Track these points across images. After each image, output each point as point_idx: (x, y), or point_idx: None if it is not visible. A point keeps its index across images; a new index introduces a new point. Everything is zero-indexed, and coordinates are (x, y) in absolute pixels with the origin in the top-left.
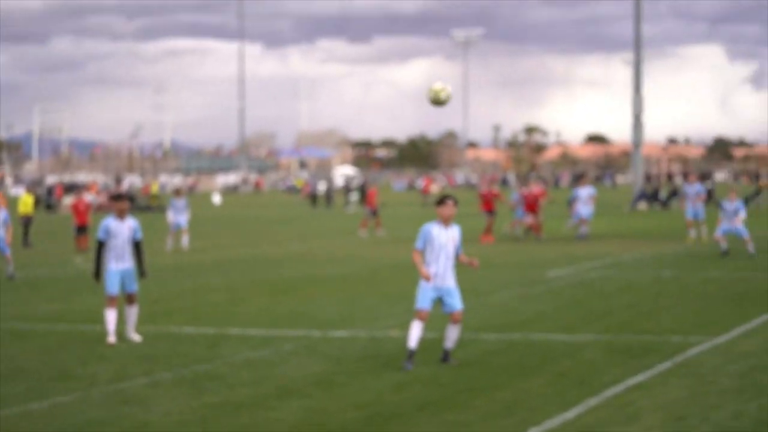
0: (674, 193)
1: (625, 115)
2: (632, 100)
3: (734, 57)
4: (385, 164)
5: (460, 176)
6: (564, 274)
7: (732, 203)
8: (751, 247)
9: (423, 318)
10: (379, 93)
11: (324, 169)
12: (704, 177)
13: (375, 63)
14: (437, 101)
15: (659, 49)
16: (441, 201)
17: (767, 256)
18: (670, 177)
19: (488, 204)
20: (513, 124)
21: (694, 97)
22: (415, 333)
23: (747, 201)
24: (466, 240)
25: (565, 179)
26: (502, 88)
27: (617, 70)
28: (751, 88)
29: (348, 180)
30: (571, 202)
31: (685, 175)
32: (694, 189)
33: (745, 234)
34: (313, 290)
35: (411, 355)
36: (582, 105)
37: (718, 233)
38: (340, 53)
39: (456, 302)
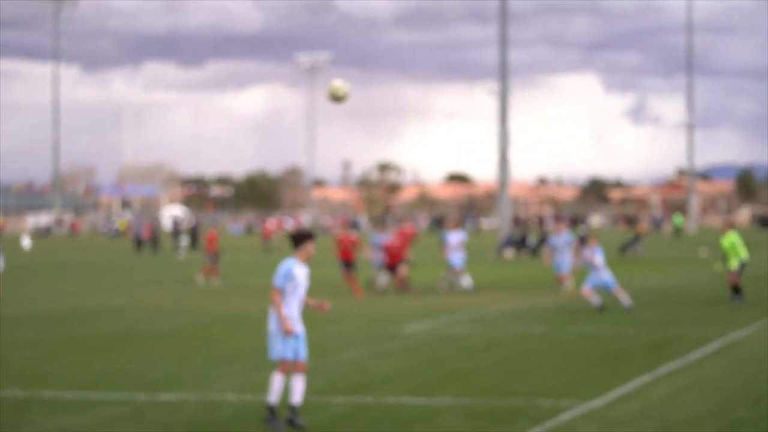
0: (544, 239)
1: (490, 152)
2: (498, 134)
3: (611, 88)
4: (219, 204)
5: (305, 218)
6: (422, 329)
7: (560, 236)
8: (625, 299)
9: (287, 370)
10: (214, 123)
11: (150, 209)
12: (575, 221)
13: (208, 90)
14: (336, 97)
15: (528, 77)
16: (307, 236)
17: (648, 309)
18: (541, 221)
19: (346, 252)
20: (365, 160)
21: (567, 132)
22: (278, 387)
23: (624, 249)
24: (331, 291)
25: (423, 222)
26: (353, 120)
27: (481, 100)
28: (629, 122)
29: (177, 222)
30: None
31: (557, 219)
32: (563, 239)
33: (613, 285)
34: (137, 347)
35: (273, 411)
36: (442, 139)
37: (586, 288)
38: (168, 78)
39: (304, 350)
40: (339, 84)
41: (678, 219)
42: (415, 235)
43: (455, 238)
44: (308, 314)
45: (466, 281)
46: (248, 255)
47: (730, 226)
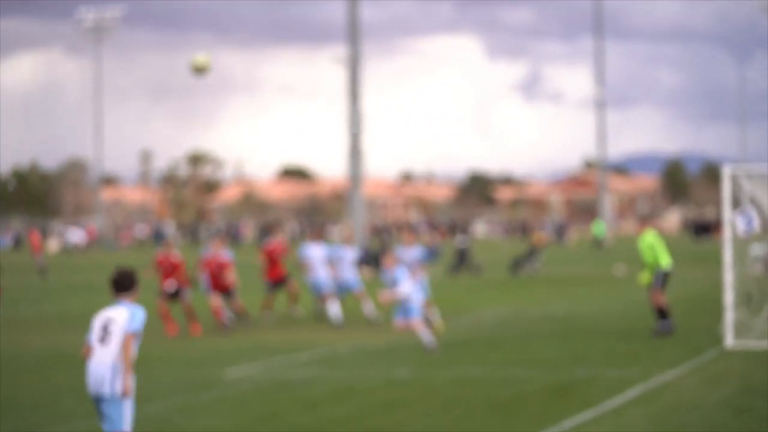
0: None
1: (337, 139)
2: (348, 116)
3: (495, 53)
4: None
5: (75, 230)
6: (251, 373)
7: (408, 250)
8: (427, 336)
9: None
10: None
11: None
12: (454, 229)
13: None
14: (198, 68)
15: (386, 41)
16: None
17: (549, 344)
18: (408, 230)
19: (216, 278)
20: (170, 150)
21: (438, 113)
22: None
23: (517, 266)
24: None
25: (249, 231)
26: (154, 99)
27: (325, 71)
28: (520, 98)
29: None
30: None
31: (433, 227)
32: (411, 254)
33: (416, 313)
34: None
35: None
36: (273, 123)
37: (398, 320)
38: None
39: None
40: (201, 57)
41: (599, 227)
42: (286, 250)
43: (317, 252)
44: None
45: (334, 310)
46: (20, 276)
47: (645, 224)
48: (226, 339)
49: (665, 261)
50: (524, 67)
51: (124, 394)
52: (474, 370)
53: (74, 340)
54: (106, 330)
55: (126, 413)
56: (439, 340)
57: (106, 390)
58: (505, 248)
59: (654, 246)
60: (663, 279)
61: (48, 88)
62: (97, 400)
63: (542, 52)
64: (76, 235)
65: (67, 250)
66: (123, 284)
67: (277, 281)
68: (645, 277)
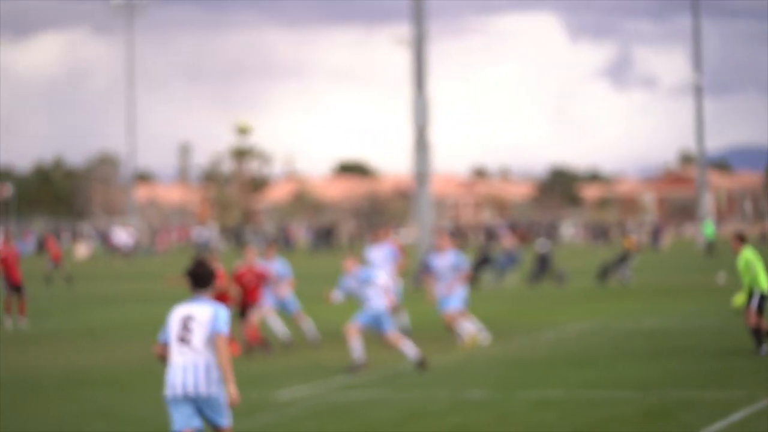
0: (486, 260)
1: (400, 130)
2: (412, 104)
3: (579, 34)
4: None
5: (120, 231)
6: (305, 395)
7: (443, 256)
8: (410, 350)
9: None
10: None
11: None
12: (528, 233)
13: None
14: (242, 130)
15: (456, 20)
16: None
17: (639, 363)
18: (490, 234)
19: (248, 292)
20: (212, 143)
21: (515, 102)
22: None
23: (606, 273)
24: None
25: (302, 235)
26: (193, 84)
27: (386, 54)
28: (607, 85)
29: None
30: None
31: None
32: (447, 261)
33: (388, 327)
34: None
35: None
36: (326, 112)
37: (356, 323)
38: None
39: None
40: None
41: (709, 228)
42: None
43: (379, 255)
44: (146, 379)
45: (403, 320)
46: (44, 285)
47: (741, 240)
48: (277, 358)
49: (764, 283)
50: (611, 49)
51: (231, 405)
52: (555, 393)
53: (101, 359)
54: (187, 328)
55: (226, 409)
56: (515, 357)
57: (202, 391)
58: (591, 254)
59: (752, 263)
60: (760, 302)
61: (74, 73)
62: (184, 402)
63: (632, 32)
64: (123, 237)
65: (110, 251)
66: (202, 279)
67: None
68: (740, 299)
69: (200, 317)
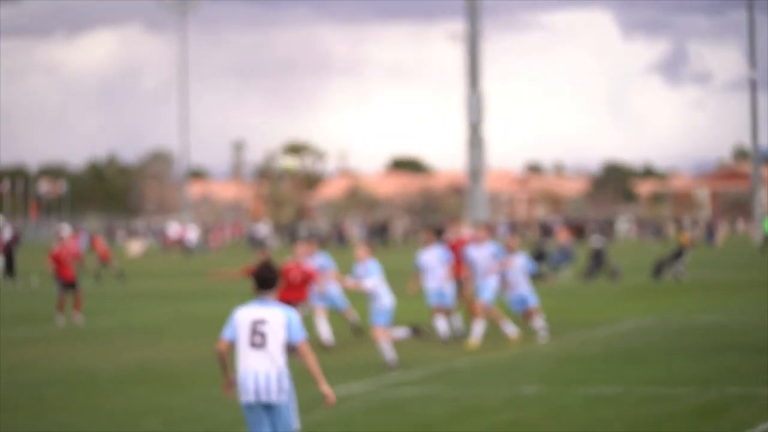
0: (540, 256)
1: (454, 126)
2: (466, 100)
3: (632, 30)
4: (48, 206)
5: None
6: (358, 391)
7: (480, 248)
8: (387, 349)
9: None
10: (35, 85)
11: None
12: (582, 229)
13: (28, 36)
14: (287, 170)
15: (509, 15)
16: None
17: (694, 358)
18: (545, 229)
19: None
20: (266, 139)
21: (569, 97)
22: None
23: (661, 268)
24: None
25: (356, 231)
26: (247, 81)
27: (440, 50)
28: (660, 81)
29: None
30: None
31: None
32: (484, 253)
33: (532, 301)
34: None
35: None
36: (380, 108)
37: (379, 324)
38: None
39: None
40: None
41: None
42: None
43: (431, 258)
44: (202, 376)
45: (456, 322)
46: (97, 282)
47: None
48: (330, 354)
49: None
50: (665, 44)
51: (329, 405)
52: (611, 389)
53: (155, 356)
54: (258, 333)
55: (294, 413)
56: (567, 353)
57: (273, 398)
58: (645, 249)
59: None
60: None
61: (127, 70)
62: (257, 408)
63: (686, 27)
64: (185, 233)
65: (167, 248)
66: (269, 280)
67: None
68: None
69: (273, 322)
